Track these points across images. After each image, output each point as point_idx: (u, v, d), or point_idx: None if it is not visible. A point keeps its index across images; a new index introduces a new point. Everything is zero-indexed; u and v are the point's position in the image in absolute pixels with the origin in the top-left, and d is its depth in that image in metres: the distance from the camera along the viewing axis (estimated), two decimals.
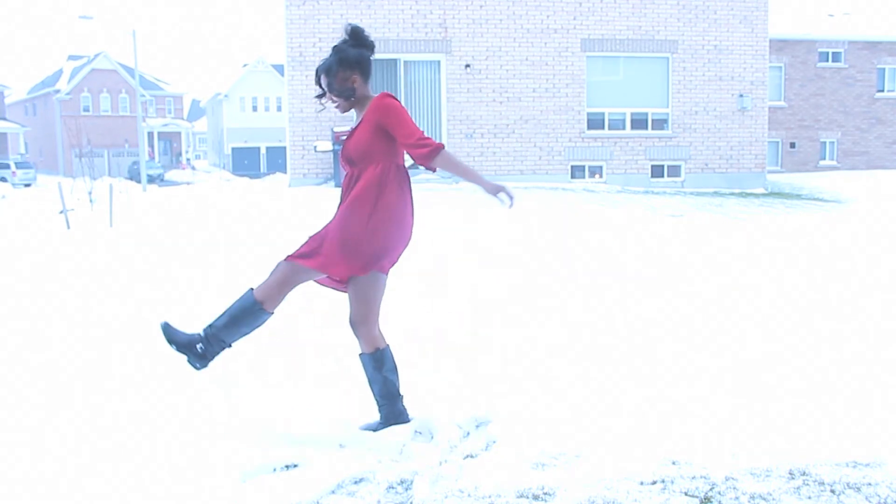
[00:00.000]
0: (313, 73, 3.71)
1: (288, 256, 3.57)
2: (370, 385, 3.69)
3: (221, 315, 3.65)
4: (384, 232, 3.51)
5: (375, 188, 3.49)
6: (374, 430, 3.63)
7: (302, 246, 3.56)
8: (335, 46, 3.62)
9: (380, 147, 3.51)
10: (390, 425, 3.64)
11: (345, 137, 3.68)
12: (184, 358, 3.71)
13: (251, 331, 3.69)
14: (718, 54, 18.52)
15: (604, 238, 10.17)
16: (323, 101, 3.78)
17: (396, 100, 3.56)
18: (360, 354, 3.68)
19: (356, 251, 3.48)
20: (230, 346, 3.68)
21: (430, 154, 3.45)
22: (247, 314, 3.61)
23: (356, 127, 3.59)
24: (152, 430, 3.64)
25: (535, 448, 3.43)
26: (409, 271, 7.66)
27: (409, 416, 3.71)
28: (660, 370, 4.56)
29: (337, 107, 3.67)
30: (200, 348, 3.63)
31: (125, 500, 2.99)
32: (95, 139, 46.00)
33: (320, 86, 3.66)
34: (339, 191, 3.78)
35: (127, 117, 57.45)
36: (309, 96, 17.35)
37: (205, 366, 3.66)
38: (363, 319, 3.60)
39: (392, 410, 3.67)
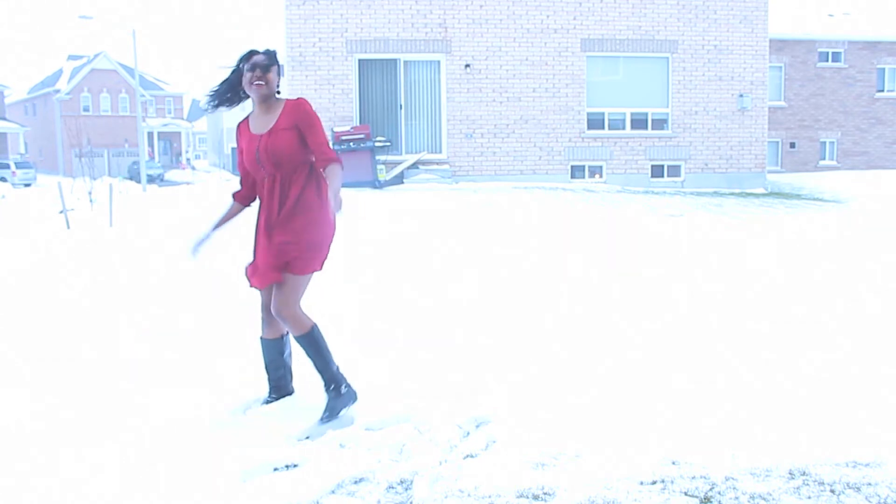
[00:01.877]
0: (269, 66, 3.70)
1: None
2: (313, 362, 3.80)
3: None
4: (325, 230, 3.73)
5: (314, 190, 3.69)
6: (336, 417, 3.75)
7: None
8: (267, 49, 3.74)
9: (305, 151, 3.71)
10: (340, 395, 3.78)
11: (253, 137, 3.73)
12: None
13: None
14: (718, 54, 18.51)
15: (604, 238, 10.17)
16: (240, 93, 3.81)
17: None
18: (296, 338, 3.78)
19: (315, 252, 3.71)
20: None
21: (331, 162, 3.64)
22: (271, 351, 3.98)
23: (272, 129, 3.66)
24: (152, 430, 3.64)
25: (535, 448, 3.43)
26: (409, 272, 7.67)
27: (354, 390, 3.89)
28: (660, 370, 4.56)
29: (261, 96, 3.69)
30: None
31: (125, 500, 2.99)
32: (95, 139, 45.98)
33: (256, 76, 3.67)
34: None
35: (127, 117, 57.43)
36: (309, 96, 17.31)
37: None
38: (291, 307, 3.72)
39: (339, 383, 3.81)
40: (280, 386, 4.00)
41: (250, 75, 3.67)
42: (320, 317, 5.74)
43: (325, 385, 3.81)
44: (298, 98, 3.75)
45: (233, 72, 3.80)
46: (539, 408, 3.92)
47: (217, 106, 3.87)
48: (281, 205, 3.67)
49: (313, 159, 3.72)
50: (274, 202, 3.68)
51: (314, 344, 3.79)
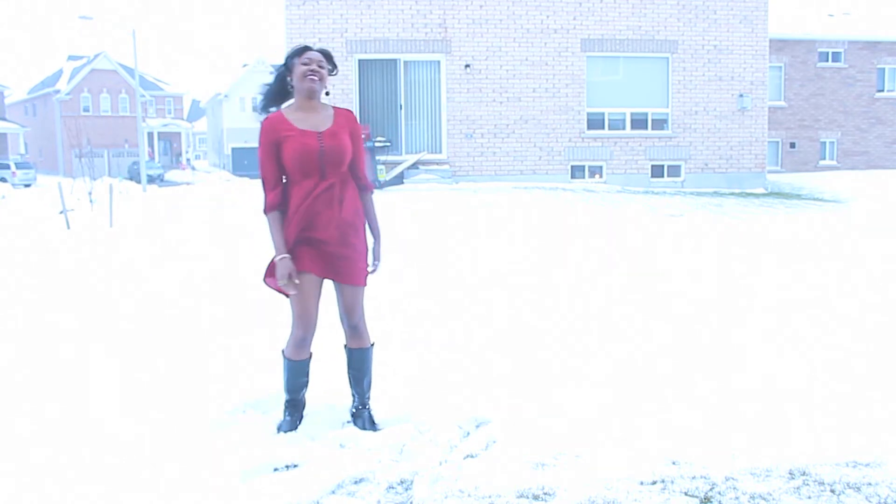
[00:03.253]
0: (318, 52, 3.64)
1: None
2: (363, 376, 3.80)
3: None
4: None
5: (356, 193, 3.68)
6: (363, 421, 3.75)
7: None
8: (322, 49, 3.68)
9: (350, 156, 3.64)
10: (366, 408, 3.80)
11: (308, 133, 3.52)
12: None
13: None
14: (718, 54, 18.51)
15: (603, 238, 10.17)
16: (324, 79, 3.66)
17: None
18: (365, 349, 3.79)
19: (363, 256, 3.70)
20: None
21: (369, 189, 3.76)
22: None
23: (333, 130, 3.56)
24: (153, 430, 3.64)
25: (535, 448, 3.43)
26: (409, 272, 7.67)
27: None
28: (660, 370, 4.56)
29: (310, 90, 3.56)
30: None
31: (125, 500, 2.99)
32: (95, 139, 45.93)
33: (310, 69, 3.57)
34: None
35: (127, 117, 57.39)
36: None
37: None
38: (363, 314, 3.76)
39: (368, 395, 3.85)
40: (302, 404, 3.83)
41: (305, 68, 3.54)
42: (320, 318, 5.74)
43: (368, 399, 3.83)
44: (346, 109, 3.68)
45: (281, 67, 3.68)
46: (539, 408, 3.92)
47: (268, 106, 3.66)
48: (342, 209, 3.54)
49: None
50: (334, 207, 3.52)
51: (371, 358, 3.82)
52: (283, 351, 3.73)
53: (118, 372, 4.56)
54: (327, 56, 3.64)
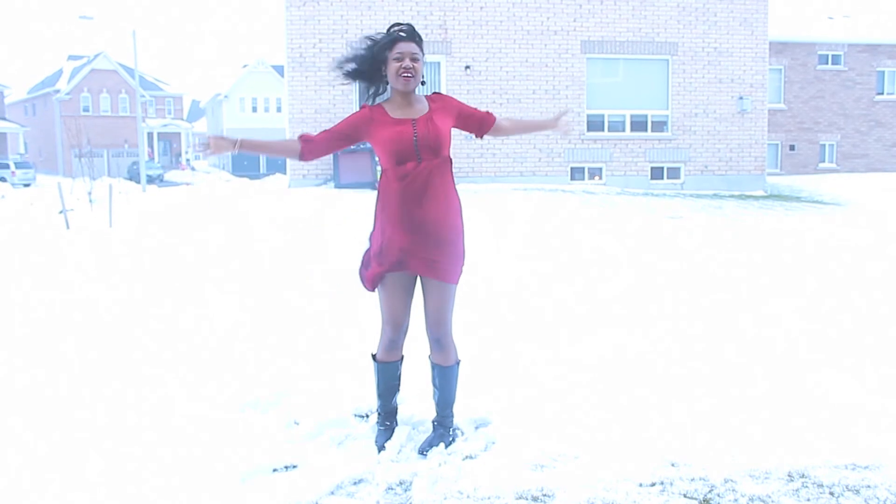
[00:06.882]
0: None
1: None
2: (441, 394, 3.56)
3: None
4: (463, 237, 3.55)
5: (452, 184, 3.47)
6: (429, 448, 3.46)
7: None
8: (411, 29, 3.41)
9: (450, 140, 3.43)
10: (448, 443, 3.51)
11: (402, 122, 3.36)
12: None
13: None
14: (718, 56, 18.52)
15: (602, 239, 10.17)
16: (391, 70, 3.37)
17: None
18: (447, 367, 3.54)
19: (460, 253, 3.52)
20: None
21: (491, 115, 3.57)
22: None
23: (428, 115, 3.39)
24: (152, 430, 3.64)
25: (535, 449, 3.43)
26: None
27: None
28: (659, 371, 4.56)
29: (408, 81, 3.38)
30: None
31: (125, 500, 2.99)
32: (95, 139, 45.93)
33: (405, 66, 3.36)
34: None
35: (127, 117, 57.40)
36: (309, 97, 17.34)
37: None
38: (450, 326, 3.51)
39: (451, 420, 3.61)
40: (394, 410, 3.67)
41: (398, 66, 3.33)
42: (319, 318, 5.75)
43: (450, 419, 3.57)
44: (436, 93, 3.52)
45: (372, 47, 3.40)
46: (539, 409, 3.92)
47: (355, 78, 3.44)
48: (436, 202, 3.35)
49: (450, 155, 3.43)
50: (429, 197, 3.33)
51: (455, 378, 3.57)
52: (372, 355, 3.59)
53: (117, 372, 4.56)
54: (419, 40, 3.40)
